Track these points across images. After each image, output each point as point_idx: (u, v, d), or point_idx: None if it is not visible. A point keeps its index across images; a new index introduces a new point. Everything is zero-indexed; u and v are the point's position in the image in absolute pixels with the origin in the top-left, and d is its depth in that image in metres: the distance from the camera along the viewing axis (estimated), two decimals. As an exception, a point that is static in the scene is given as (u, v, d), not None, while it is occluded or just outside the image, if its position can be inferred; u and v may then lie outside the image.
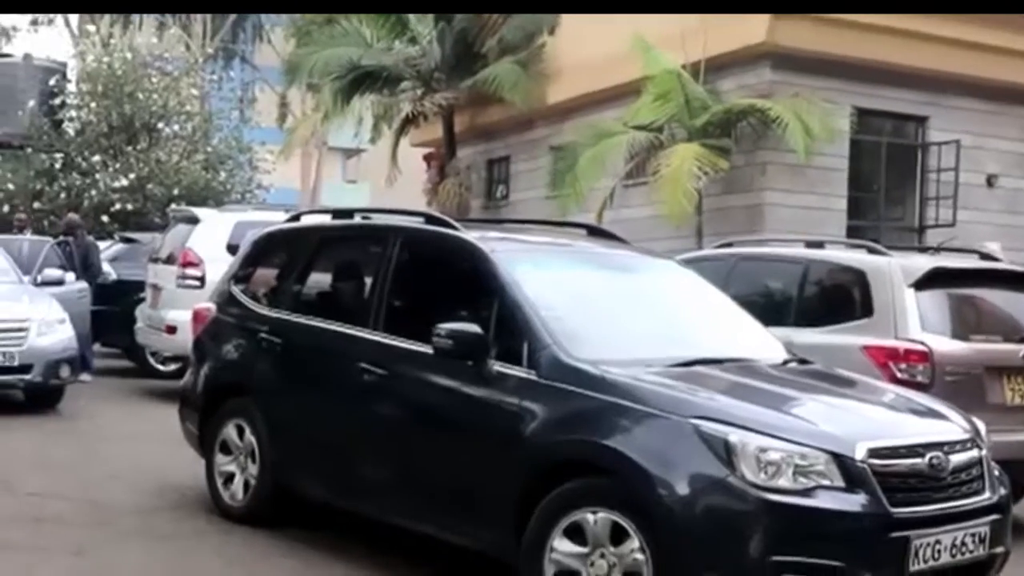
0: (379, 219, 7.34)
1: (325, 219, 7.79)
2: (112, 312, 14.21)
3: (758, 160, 15.73)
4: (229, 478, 7.14)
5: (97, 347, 14.36)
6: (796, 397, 5.52)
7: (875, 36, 15.21)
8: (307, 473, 6.77)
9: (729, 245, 9.89)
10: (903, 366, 7.33)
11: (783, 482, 4.74)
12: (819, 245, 8.94)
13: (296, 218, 8.04)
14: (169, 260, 13.16)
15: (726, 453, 4.78)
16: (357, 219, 7.47)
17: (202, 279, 12.22)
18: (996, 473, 5.46)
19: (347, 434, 6.43)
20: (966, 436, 5.39)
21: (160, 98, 24.42)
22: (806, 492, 4.75)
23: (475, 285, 6.01)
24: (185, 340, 11.19)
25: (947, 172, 16.52)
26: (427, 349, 5.78)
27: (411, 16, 21.09)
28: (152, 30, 33.52)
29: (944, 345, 7.46)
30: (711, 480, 4.79)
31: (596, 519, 5.02)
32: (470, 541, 5.79)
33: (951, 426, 5.46)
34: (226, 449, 7.18)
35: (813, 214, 15.24)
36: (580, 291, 6.27)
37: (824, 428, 5.01)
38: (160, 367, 14.43)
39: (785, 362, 6.20)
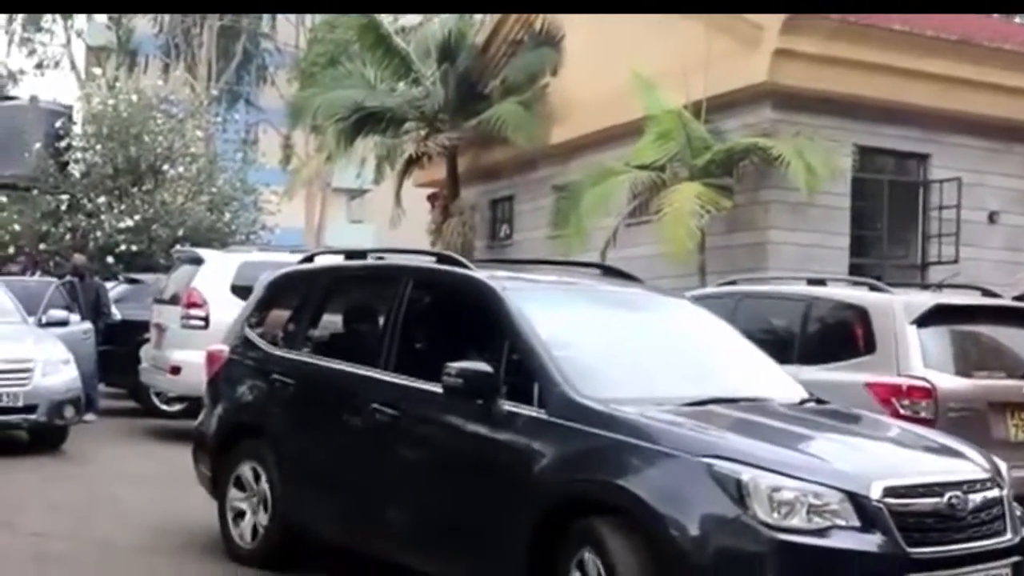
0: (391, 259, 7.35)
1: (338, 260, 7.79)
2: (117, 352, 14.23)
3: (761, 199, 15.75)
4: (239, 514, 7.09)
5: (102, 387, 14.37)
6: (810, 436, 5.47)
7: (875, 75, 15.27)
8: (319, 513, 6.74)
9: (733, 283, 9.93)
10: (906, 402, 7.33)
11: (797, 522, 4.67)
12: (821, 283, 8.97)
13: (309, 259, 8.03)
14: (173, 301, 13.18)
15: (738, 492, 4.71)
16: (370, 259, 7.46)
17: (206, 319, 12.24)
18: (1018, 513, 5.35)
19: (359, 474, 6.40)
20: (986, 475, 5.30)
21: (165, 140, 24.54)
22: (820, 532, 4.68)
23: (486, 324, 5.99)
24: (189, 380, 11.26)
25: (949, 209, 16.53)
26: (438, 388, 5.76)
27: (414, 57, 21.21)
28: (157, 72, 33.72)
29: (947, 381, 7.46)
30: (723, 520, 4.73)
31: (591, 558, 4.99)
32: (483, 581, 5.74)
33: (971, 465, 5.38)
34: (240, 485, 7.13)
35: (816, 252, 15.24)
36: (591, 330, 6.27)
37: (838, 467, 4.95)
38: (164, 407, 14.44)
39: (802, 401, 6.15)
